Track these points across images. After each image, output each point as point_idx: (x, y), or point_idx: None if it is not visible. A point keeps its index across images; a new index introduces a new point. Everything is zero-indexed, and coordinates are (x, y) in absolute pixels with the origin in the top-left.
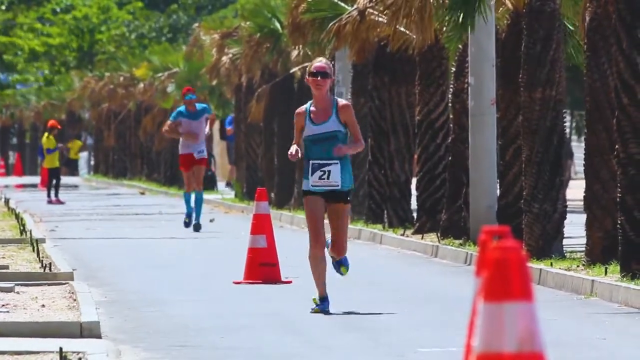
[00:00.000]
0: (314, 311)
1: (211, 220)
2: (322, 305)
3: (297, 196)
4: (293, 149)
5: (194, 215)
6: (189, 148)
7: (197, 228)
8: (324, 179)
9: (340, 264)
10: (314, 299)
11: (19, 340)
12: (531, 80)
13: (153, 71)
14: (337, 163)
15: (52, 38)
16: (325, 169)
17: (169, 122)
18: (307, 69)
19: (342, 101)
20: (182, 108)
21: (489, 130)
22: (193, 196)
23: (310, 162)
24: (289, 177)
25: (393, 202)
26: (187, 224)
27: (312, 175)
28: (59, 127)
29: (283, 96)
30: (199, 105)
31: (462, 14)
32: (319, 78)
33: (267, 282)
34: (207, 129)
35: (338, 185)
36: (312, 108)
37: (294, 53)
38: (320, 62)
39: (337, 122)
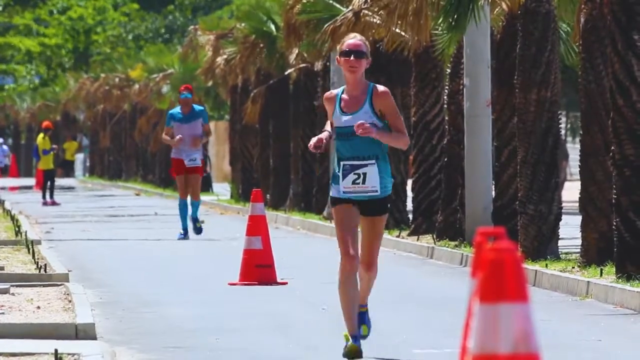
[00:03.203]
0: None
1: (203, 222)
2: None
3: (292, 197)
4: (314, 139)
5: (189, 224)
6: (180, 153)
7: (198, 230)
8: (358, 183)
9: (362, 322)
10: (345, 335)
11: (14, 342)
12: (526, 82)
13: (148, 72)
14: (374, 163)
15: (48, 38)
16: (360, 171)
17: (165, 128)
18: (338, 47)
19: (380, 87)
20: (175, 110)
21: (485, 132)
22: (189, 203)
23: (341, 163)
24: (284, 179)
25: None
26: (182, 238)
27: (343, 179)
28: (52, 127)
29: (278, 97)
30: (196, 107)
31: (455, 16)
32: (352, 58)
33: (262, 283)
34: (203, 139)
35: (376, 191)
36: (344, 95)
37: (292, 56)
38: (354, 38)
39: (371, 112)
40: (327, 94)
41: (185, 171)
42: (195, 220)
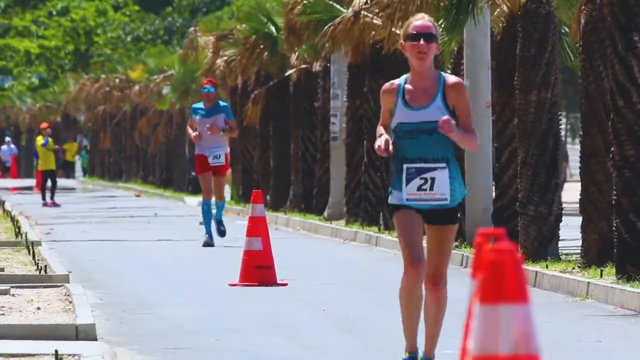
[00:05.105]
0: None
1: (201, 223)
2: None
3: (292, 198)
4: (382, 140)
5: (213, 230)
6: (203, 149)
7: (222, 233)
8: (424, 189)
9: None
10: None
11: (15, 343)
12: (526, 83)
13: (148, 73)
14: (445, 167)
15: (47, 40)
16: (427, 175)
17: (189, 121)
18: (403, 30)
19: (451, 77)
20: (198, 104)
21: (485, 133)
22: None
23: (405, 165)
24: (284, 180)
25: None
26: (208, 243)
27: (407, 184)
28: (50, 126)
29: (279, 99)
30: (220, 103)
31: (455, 16)
32: (421, 42)
33: (262, 284)
34: (225, 136)
35: (446, 200)
36: (408, 85)
37: (293, 57)
38: (421, 19)
39: (444, 107)
40: (386, 85)
41: (210, 168)
42: (219, 222)
